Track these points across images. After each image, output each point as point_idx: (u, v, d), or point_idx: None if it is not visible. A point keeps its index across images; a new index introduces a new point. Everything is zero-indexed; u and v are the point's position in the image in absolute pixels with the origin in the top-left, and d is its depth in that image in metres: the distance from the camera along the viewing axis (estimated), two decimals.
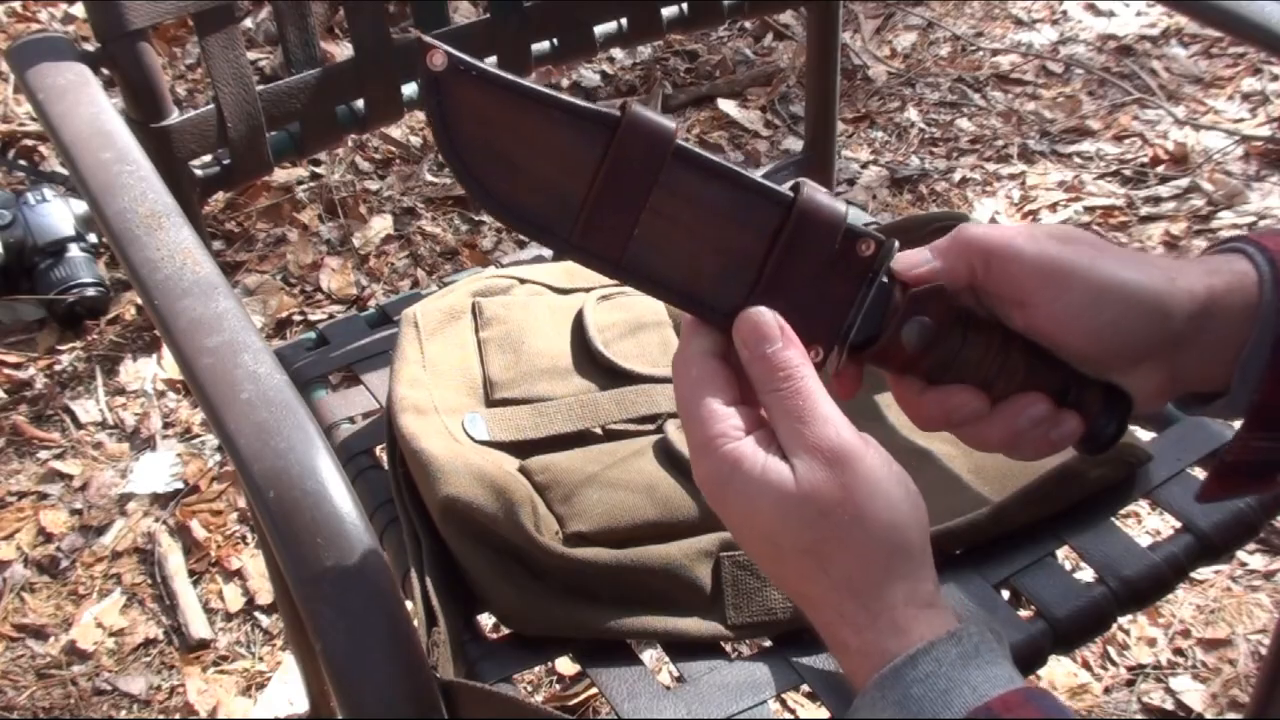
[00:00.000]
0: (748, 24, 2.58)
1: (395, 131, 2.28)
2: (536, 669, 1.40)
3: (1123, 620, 1.39)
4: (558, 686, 1.41)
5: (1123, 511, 0.84)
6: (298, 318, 1.93)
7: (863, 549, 0.53)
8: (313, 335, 1.06)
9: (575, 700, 1.38)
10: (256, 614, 1.52)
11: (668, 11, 1.13)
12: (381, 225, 2.08)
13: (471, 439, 0.83)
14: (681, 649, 0.75)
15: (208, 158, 0.98)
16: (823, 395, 0.56)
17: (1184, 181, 2.12)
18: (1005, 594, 0.79)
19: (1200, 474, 0.86)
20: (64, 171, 2.01)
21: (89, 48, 0.91)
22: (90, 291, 1.89)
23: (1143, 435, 0.89)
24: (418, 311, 0.93)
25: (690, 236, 0.57)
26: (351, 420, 0.96)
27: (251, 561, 1.57)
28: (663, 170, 0.56)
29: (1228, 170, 2.14)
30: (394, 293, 1.94)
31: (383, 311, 1.08)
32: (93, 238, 1.97)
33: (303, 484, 0.59)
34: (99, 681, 1.44)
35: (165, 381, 1.84)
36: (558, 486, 0.79)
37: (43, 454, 1.72)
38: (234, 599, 1.53)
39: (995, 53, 2.50)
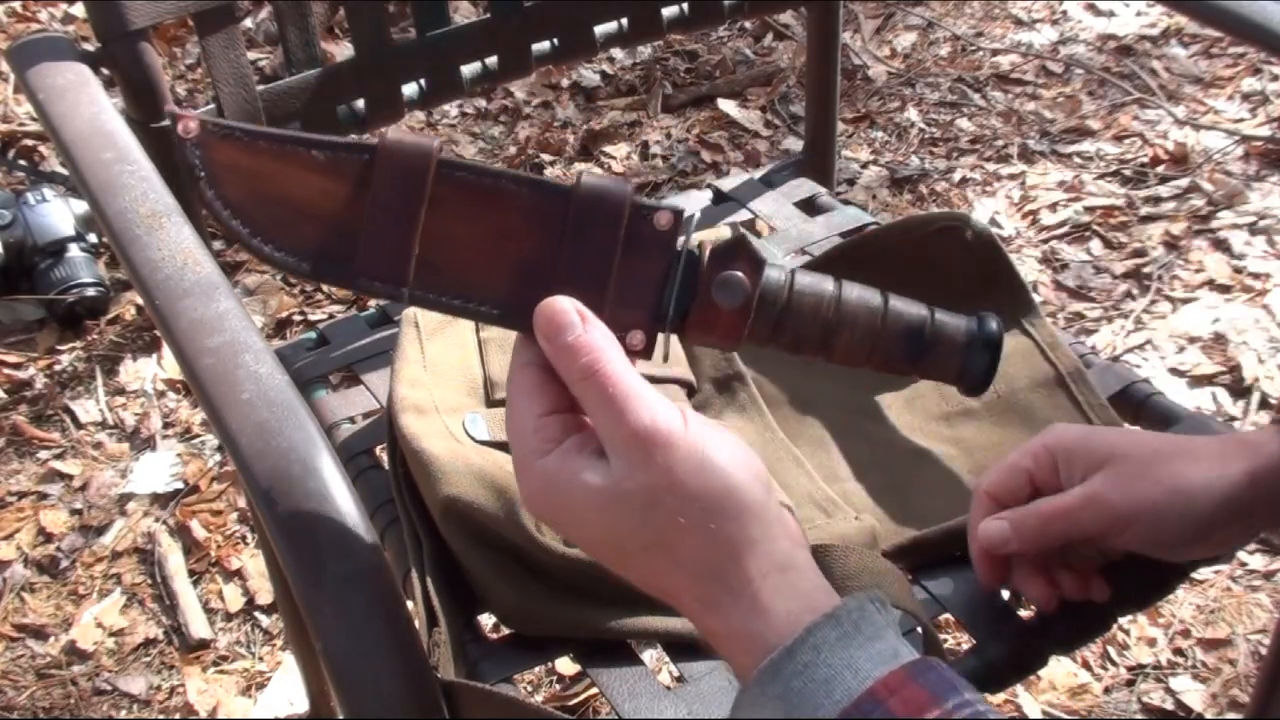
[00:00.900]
0: (748, 24, 2.58)
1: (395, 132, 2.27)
2: (537, 669, 1.39)
3: (1123, 620, 1.39)
4: (558, 686, 1.41)
5: None
6: (298, 318, 1.93)
7: (704, 527, 0.51)
8: (313, 335, 1.06)
9: (575, 700, 1.38)
10: (256, 614, 1.52)
11: (668, 11, 1.13)
12: None
13: (472, 439, 0.83)
14: (681, 649, 0.75)
15: None
16: (633, 377, 0.53)
17: (1184, 181, 2.12)
18: (1005, 594, 0.79)
19: None
20: (64, 171, 2.01)
21: (89, 48, 0.91)
22: (90, 291, 1.89)
23: None
24: (418, 311, 0.93)
25: (476, 247, 0.56)
26: (352, 420, 0.96)
27: (251, 561, 1.57)
28: (428, 187, 0.55)
29: (1228, 170, 2.14)
30: None
31: (383, 311, 1.08)
32: (93, 238, 1.97)
33: (303, 484, 0.59)
34: (99, 681, 1.44)
35: (165, 381, 1.84)
36: None
37: (43, 454, 1.72)
38: (234, 599, 1.53)
39: (995, 53, 2.50)
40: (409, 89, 1.05)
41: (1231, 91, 2.34)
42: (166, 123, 0.94)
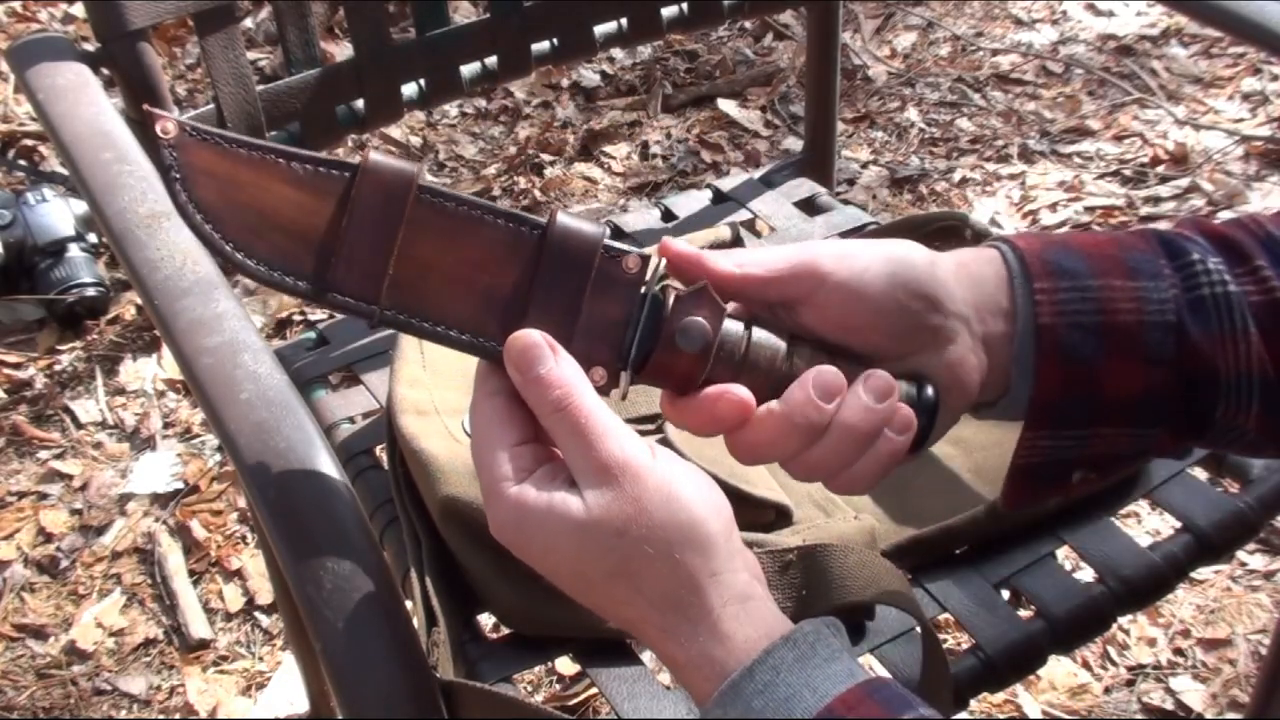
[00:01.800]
0: (748, 24, 2.58)
1: (395, 131, 2.28)
2: (536, 669, 1.40)
3: (1123, 620, 1.39)
4: (558, 686, 1.41)
5: (1122, 511, 0.84)
6: (298, 317, 1.93)
7: (668, 557, 0.53)
8: (313, 335, 1.06)
9: (575, 700, 1.38)
10: (256, 614, 1.52)
11: (668, 11, 1.13)
12: None
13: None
14: None
15: None
16: (604, 411, 0.55)
17: (1184, 181, 2.12)
18: (1005, 593, 0.79)
19: (1201, 474, 0.86)
20: (64, 171, 2.01)
21: (89, 48, 0.91)
22: (90, 291, 1.89)
23: None
24: None
25: (449, 274, 0.57)
26: (351, 420, 0.96)
27: (251, 561, 1.57)
28: (407, 210, 0.56)
29: (1228, 170, 2.14)
30: None
31: None
32: (93, 238, 1.97)
33: (302, 484, 0.59)
34: (99, 681, 1.44)
35: (165, 381, 1.84)
36: None
37: (43, 454, 1.73)
38: (234, 599, 1.53)
39: (995, 53, 2.50)
40: (409, 89, 1.05)
41: (1231, 91, 2.34)
42: None
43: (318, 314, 1.92)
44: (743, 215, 1.18)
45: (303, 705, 1.39)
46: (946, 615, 0.78)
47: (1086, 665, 1.42)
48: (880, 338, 0.58)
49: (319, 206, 0.56)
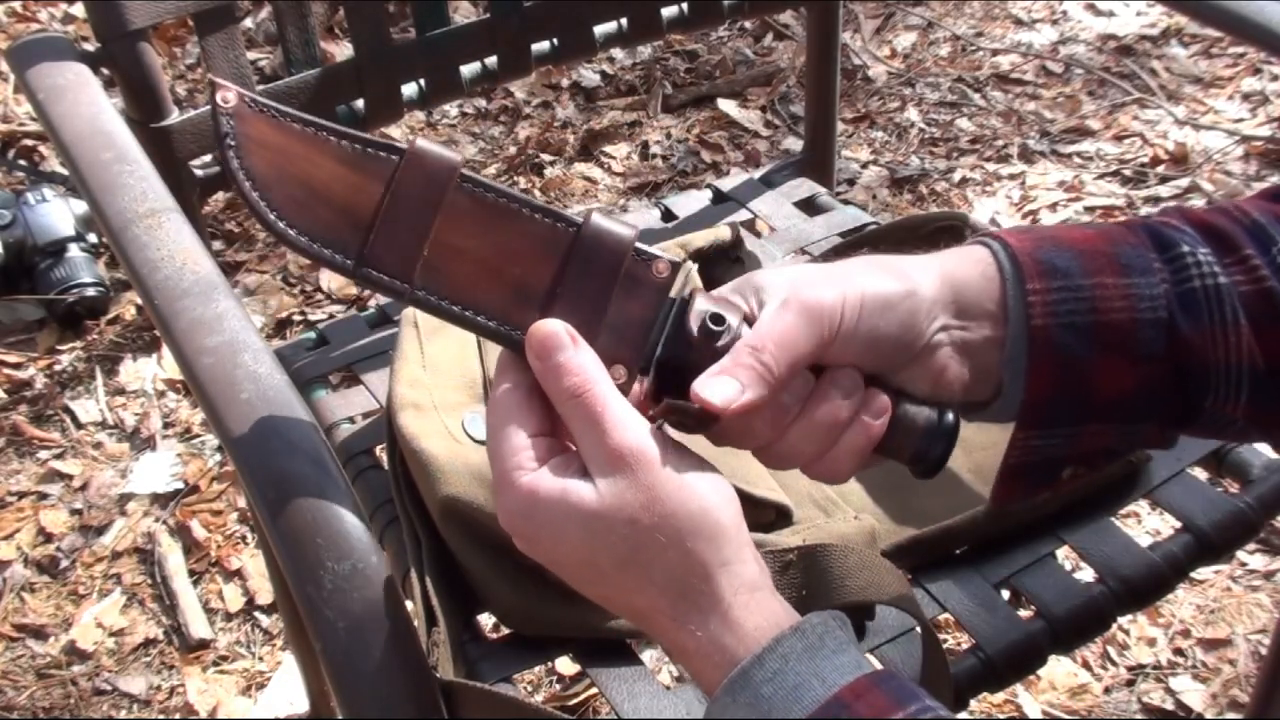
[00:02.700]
0: (748, 24, 2.58)
1: (395, 131, 2.28)
2: (536, 669, 1.40)
3: (1123, 620, 1.39)
4: (558, 686, 1.41)
5: (1122, 511, 0.84)
6: (298, 318, 1.93)
7: (680, 545, 0.53)
8: (313, 335, 1.06)
9: (575, 700, 1.38)
10: (256, 614, 1.52)
11: (668, 11, 1.13)
12: None
13: (471, 438, 0.83)
14: None
15: (208, 158, 0.98)
16: (619, 401, 0.55)
17: (1184, 181, 2.12)
18: (1005, 594, 0.79)
19: (1201, 474, 0.86)
20: (64, 171, 2.01)
21: (89, 48, 0.91)
22: (90, 291, 1.89)
23: None
24: (417, 311, 0.93)
25: (482, 262, 0.59)
26: (351, 420, 0.96)
27: (251, 561, 1.57)
28: (446, 196, 0.58)
29: (1228, 170, 2.14)
30: None
31: (382, 311, 1.08)
32: (93, 238, 1.97)
33: (302, 484, 0.59)
34: (99, 681, 1.44)
35: (165, 381, 1.84)
36: None
37: (43, 454, 1.73)
38: (234, 599, 1.53)
39: (995, 53, 2.50)
40: (409, 89, 1.05)
41: (1231, 91, 2.34)
42: (166, 122, 0.94)
43: (318, 314, 1.92)
44: (743, 215, 1.18)
45: (303, 705, 1.39)
46: (946, 615, 0.78)
47: (1086, 665, 1.42)
48: (862, 364, 0.59)
49: (365, 185, 0.58)
